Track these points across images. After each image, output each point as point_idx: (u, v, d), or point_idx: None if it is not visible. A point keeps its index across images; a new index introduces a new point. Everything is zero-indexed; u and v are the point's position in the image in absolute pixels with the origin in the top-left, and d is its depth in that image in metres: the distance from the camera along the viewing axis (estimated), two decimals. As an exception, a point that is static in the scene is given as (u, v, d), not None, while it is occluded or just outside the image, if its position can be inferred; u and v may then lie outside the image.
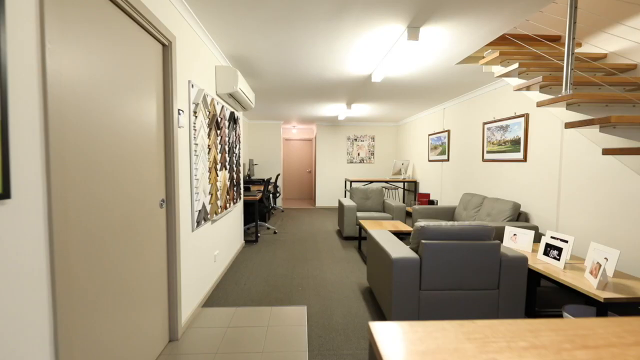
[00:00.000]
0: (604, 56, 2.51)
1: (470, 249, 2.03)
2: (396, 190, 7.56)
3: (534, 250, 2.65)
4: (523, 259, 2.08)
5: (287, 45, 2.66)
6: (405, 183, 7.14)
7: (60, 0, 1.06)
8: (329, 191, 8.06)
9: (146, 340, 1.67)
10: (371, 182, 6.68)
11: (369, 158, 8.13)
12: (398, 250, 2.14)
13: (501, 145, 3.85)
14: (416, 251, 2.13)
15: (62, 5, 1.07)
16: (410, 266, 2.02)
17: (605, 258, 2.13)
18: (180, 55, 2.02)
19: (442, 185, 5.53)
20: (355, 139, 8.08)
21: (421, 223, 2.11)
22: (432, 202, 5.09)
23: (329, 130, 7.98)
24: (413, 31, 2.29)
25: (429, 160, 6.03)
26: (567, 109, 1.97)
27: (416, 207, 4.43)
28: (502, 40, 2.83)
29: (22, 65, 0.89)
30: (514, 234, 2.79)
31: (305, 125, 8.56)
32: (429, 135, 5.99)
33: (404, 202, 7.26)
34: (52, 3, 1.01)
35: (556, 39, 2.94)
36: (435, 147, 5.76)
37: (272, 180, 7.72)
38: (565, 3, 2.85)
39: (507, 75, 2.41)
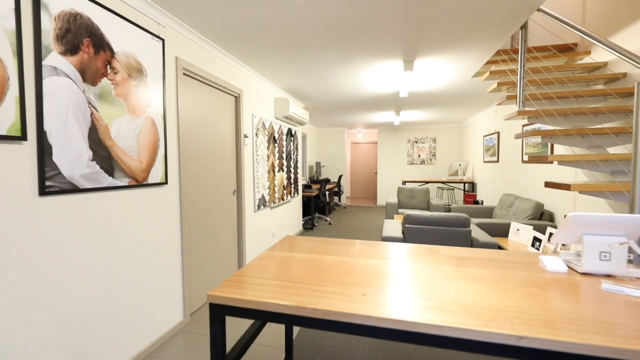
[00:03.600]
0: (604, 64, 2.66)
1: (444, 233, 2.61)
2: (453, 191, 7.63)
3: (532, 244, 2.94)
4: (493, 245, 2.54)
5: (319, 78, 3.61)
6: (465, 184, 7.19)
7: (184, 82, 2.27)
8: (389, 191, 8.62)
9: (223, 276, 2.86)
10: (427, 182, 7.01)
11: (430, 159, 8.36)
12: (390, 231, 2.86)
13: (535, 147, 3.96)
14: (404, 234, 2.80)
15: (185, 84, 2.29)
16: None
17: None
18: (246, 99, 3.20)
19: (493, 185, 5.59)
20: (416, 141, 8.43)
21: (408, 212, 2.78)
22: (476, 202, 5.28)
23: (390, 134, 8.54)
24: (408, 64, 2.95)
25: (484, 162, 6.09)
26: (528, 121, 2.37)
27: (454, 206, 4.78)
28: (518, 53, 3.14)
29: (170, 104, 2.09)
30: (518, 229, 3.10)
31: (369, 129, 9.30)
32: (484, 136, 6.06)
33: (464, 202, 7.30)
34: (182, 84, 2.21)
35: (572, 47, 3.09)
36: (488, 149, 5.82)
37: (333, 180, 8.73)
38: (576, 14, 3.01)
39: (494, 91, 2.83)
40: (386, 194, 8.64)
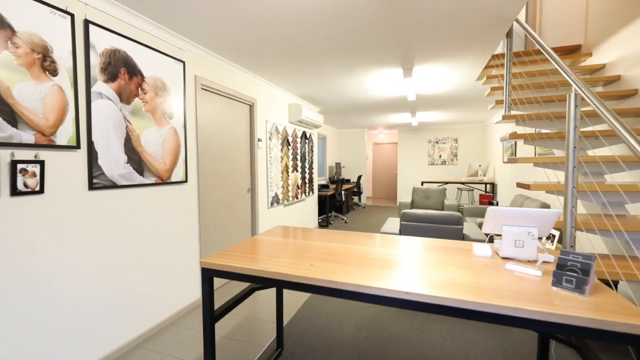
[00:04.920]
0: (602, 67, 2.68)
1: (437, 230, 2.79)
2: (472, 192, 7.53)
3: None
4: (483, 241, 2.67)
5: (328, 86, 3.90)
6: (486, 185, 7.08)
7: (202, 95, 2.68)
8: (409, 191, 8.67)
9: (238, 260, 3.25)
10: (445, 183, 7.01)
11: (452, 160, 8.29)
12: (389, 228, 3.07)
13: (545, 148, 3.94)
14: (400, 231, 3.00)
15: (203, 97, 2.69)
16: (391, 238, 2.93)
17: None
18: (260, 106, 3.58)
19: (511, 186, 5.52)
20: (437, 142, 8.40)
21: (405, 210, 2.98)
22: (491, 203, 5.25)
23: (410, 134, 8.58)
24: (407, 71, 3.15)
25: (503, 162, 6.00)
26: (516, 124, 2.49)
27: (466, 206, 4.84)
28: (525, 55, 3.20)
29: (190, 115, 2.50)
30: (517, 229, 3.17)
31: (390, 130, 9.39)
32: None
33: (479, 203, 7.19)
34: (200, 97, 2.61)
35: (577, 48, 3.11)
36: (507, 149, 5.74)
37: (353, 180, 8.94)
38: (581, 14, 3.02)
39: (489, 95, 2.93)
40: (406, 194, 8.70)
